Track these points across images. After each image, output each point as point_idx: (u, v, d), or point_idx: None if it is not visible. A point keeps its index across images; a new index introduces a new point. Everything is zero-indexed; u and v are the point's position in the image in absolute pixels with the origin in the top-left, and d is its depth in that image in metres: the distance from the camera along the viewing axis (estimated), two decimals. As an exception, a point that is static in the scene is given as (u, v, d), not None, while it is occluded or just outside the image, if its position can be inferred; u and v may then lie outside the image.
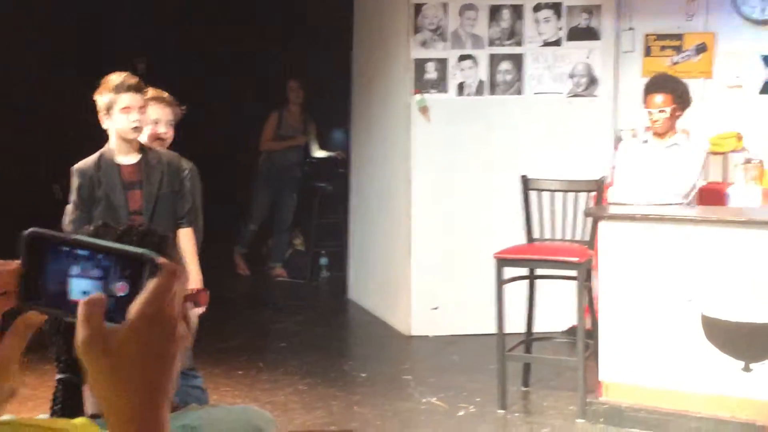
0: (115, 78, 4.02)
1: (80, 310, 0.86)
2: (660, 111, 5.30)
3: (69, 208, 4.10)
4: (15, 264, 0.90)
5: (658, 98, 5.29)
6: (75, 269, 0.89)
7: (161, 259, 0.89)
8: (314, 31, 8.30)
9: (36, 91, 8.38)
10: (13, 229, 0.97)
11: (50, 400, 1.12)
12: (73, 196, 4.07)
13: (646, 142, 5.50)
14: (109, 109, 4.00)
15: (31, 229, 0.90)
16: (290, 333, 6.87)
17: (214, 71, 8.82)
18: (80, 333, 0.86)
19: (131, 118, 3.98)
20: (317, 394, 5.45)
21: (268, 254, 8.72)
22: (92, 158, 4.10)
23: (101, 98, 4.01)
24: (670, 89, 5.33)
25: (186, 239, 4.12)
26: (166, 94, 4.31)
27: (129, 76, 4.07)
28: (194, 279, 4.02)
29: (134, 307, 0.86)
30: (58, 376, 1.12)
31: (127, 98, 3.99)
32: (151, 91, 4.23)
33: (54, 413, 1.09)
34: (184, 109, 4.41)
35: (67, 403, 0.92)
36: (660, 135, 5.39)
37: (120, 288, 0.88)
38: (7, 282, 0.91)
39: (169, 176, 4.10)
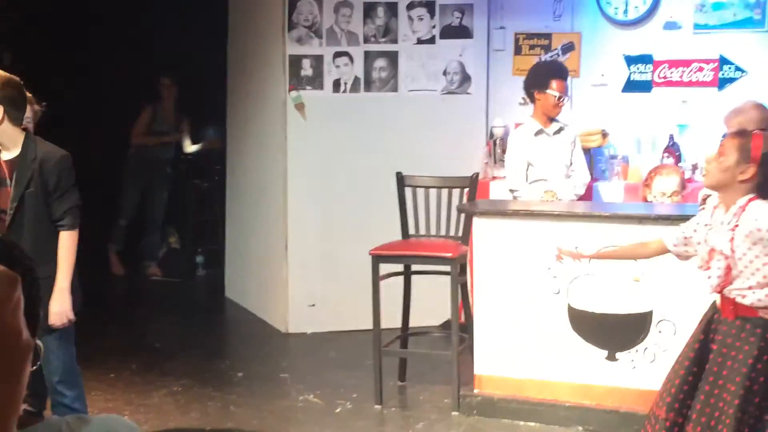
0: None
1: None
2: (565, 96, 5.45)
3: None
4: None
5: (566, 83, 5.44)
6: None
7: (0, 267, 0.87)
8: (187, 25, 8.14)
9: None
10: None
11: None
12: None
13: (539, 132, 5.59)
14: None
15: None
16: (165, 333, 6.75)
17: (84, 66, 8.54)
18: None
19: None
20: (193, 395, 5.38)
21: (142, 252, 8.55)
22: None
23: None
24: (568, 76, 5.53)
25: (63, 240, 3.94)
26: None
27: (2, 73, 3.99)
28: (59, 291, 3.87)
29: None
30: None
31: None
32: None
33: None
34: (44, 105, 4.29)
35: None
36: (551, 120, 5.53)
37: None
38: None
39: (42, 174, 3.93)
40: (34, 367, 1.35)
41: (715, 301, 3.35)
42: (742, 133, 3.36)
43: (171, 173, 8.53)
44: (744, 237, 3.17)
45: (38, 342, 1.35)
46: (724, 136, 3.79)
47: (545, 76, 5.60)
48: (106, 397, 5.23)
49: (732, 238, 3.19)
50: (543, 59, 6.40)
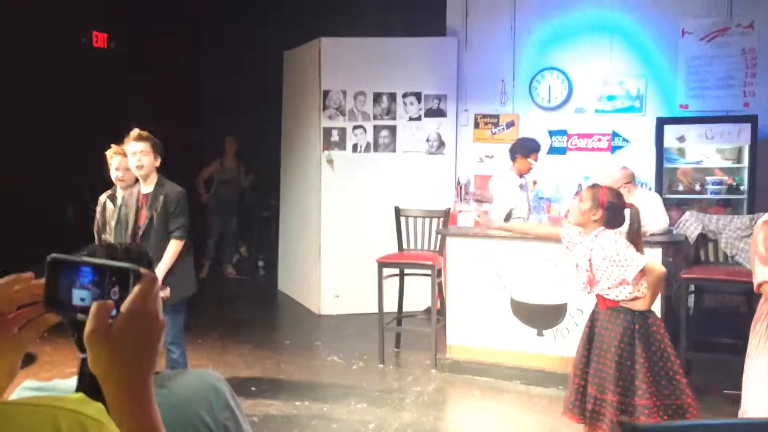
0: (132, 132, 4.03)
1: (92, 309, 0.85)
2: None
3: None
4: (42, 281, 0.90)
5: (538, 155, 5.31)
6: (78, 281, 0.88)
7: (143, 270, 0.88)
8: (252, 105, 8.17)
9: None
10: (38, 247, 0.94)
11: (77, 373, 1.08)
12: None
13: (522, 185, 5.33)
14: (126, 153, 4.03)
15: (51, 255, 0.89)
16: (237, 313, 6.72)
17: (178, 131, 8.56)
18: (88, 326, 0.85)
19: (135, 159, 4.00)
20: (255, 356, 5.35)
21: (222, 258, 8.53)
22: (104, 196, 4.18)
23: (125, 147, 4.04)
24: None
25: (170, 246, 4.03)
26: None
27: (137, 130, 4.05)
28: (159, 274, 3.95)
29: (125, 306, 0.85)
30: (81, 356, 1.08)
31: (134, 145, 4.01)
32: (115, 147, 4.14)
33: (79, 382, 1.05)
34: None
35: (87, 374, 0.90)
36: (521, 176, 5.31)
37: (114, 292, 0.87)
38: (38, 294, 0.90)
39: (165, 202, 4.02)
40: None
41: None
42: (595, 186, 3.32)
43: (237, 205, 8.46)
44: (596, 256, 3.17)
45: None
46: (580, 186, 3.70)
47: (529, 149, 5.31)
48: (195, 356, 5.19)
49: (590, 258, 3.19)
50: (527, 136, 5.79)
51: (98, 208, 4.15)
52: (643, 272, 3.10)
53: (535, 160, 5.33)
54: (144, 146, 3.98)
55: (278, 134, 7.62)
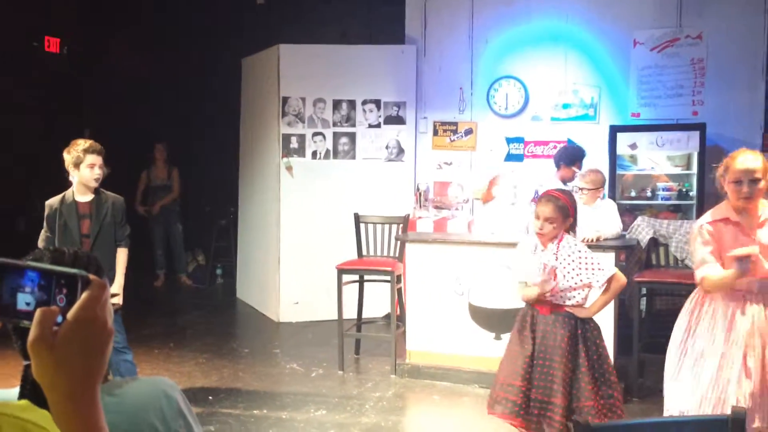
0: (83, 142, 3.95)
1: (36, 316, 0.83)
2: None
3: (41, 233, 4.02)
4: None
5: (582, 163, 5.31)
6: (23, 286, 0.86)
7: (92, 276, 0.86)
8: (210, 115, 8.07)
9: None
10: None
11: (21, 380, 1.05)
12: (44, 224, 4.01)
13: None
14: (77, 164, 3.92)
15: None
16: (194, 322, 6.62)
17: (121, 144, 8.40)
18: (32, 333, 0.82)
19: (95, 172, 3.94)
20: (213, 365, 5.28)
21: (177, 268, 8.38)
22: (58, 196, 4.03)
23: (69, 156, 3.93)
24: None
25: (121, 256, 4.08)
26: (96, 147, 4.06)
27: (94, 143, 3.97)
28: (118, 285, 3.98)
29: (72, 313, 0.83)
30: (26, 363, 1.06)
31: (92, 158, 3.93)
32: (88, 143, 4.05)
33: (22, 389, 1.02)
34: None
35: (31, 382, 0.88)
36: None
37: (60, 299, 0.86)
38: None
39: (112, 211, 4.02)
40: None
41: (527, 303, 3.31)
42: (550, 200, 3.25)
43: (179, 211, 8.24)
44: (565, 257, 3.20)
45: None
46: (536, 192, 3.69)
47: (574, 158, 5.39)
48: (151, 367, 5.12)
49: (557, 259, 3.21)
50: (572, 144, 5.88)
51: (48, 213, 4.02)
52: (609, 279, 3.16)
53: (579, 168, 5.32)
54: (101, 159, 3.96)
55: (236, 141, 7.56)
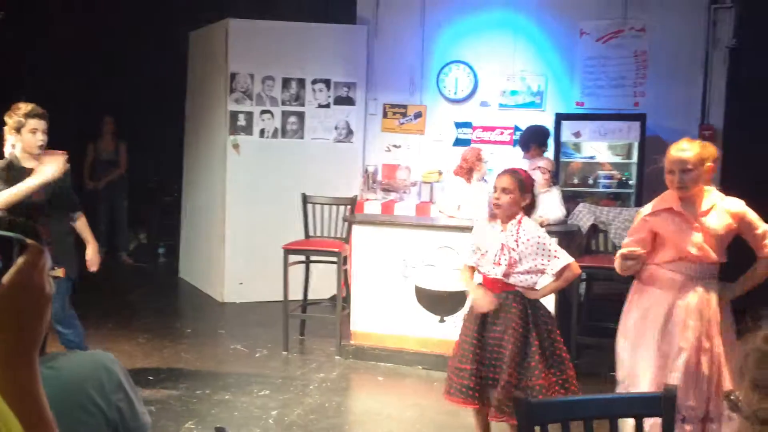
0: (24, 106, 3.74)
1: None
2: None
3: None
4: None
5: None
6: None
7: (29, 240, 0.85)
8: (156, 89, 7.81)
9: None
10: None
11: None
12: None
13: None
14: (18, 129, 3.73)
15: None
16: (134, 302, 6.48)
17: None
18: None
19: (38, 137, 3.75)
20: (153, 344, 5.19)
21: (118, 245, 8.15)
22: (2, 162, 3.80)
23: (11, 121, 3.74)
24: None
25: (83, 223, 4.01)
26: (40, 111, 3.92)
27: (36, 107, 3.77)
28: (93, 250, 3.98)
29: (7, 277, 0.82)
30: None
31: (34, 122, 3.74)
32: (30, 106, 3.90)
33: None
34: None
35: None
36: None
37: None
38: None
39: (63, 178, 3.82)
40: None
41: (480, 283, 3.32)
42: (512, 173, 3.29)
43: (125, 188, 8.00)
44: (524, 241, 3.22)
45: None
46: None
47: (544, 137, 5.60)
48: (91, 345, 4.96)
49: (516, 241, 3.23)
50: (537, 124, 5.90)
51: None
52: (563, 268, 3.19)
53: (546, 149, 5.45)
54: (44, 124, 3.77)
55: (182, 116, 7.38)
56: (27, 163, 3.80)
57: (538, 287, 3.29)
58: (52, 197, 3.78)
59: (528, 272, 3.24)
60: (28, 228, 1.22)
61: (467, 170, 5.15)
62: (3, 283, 0.81)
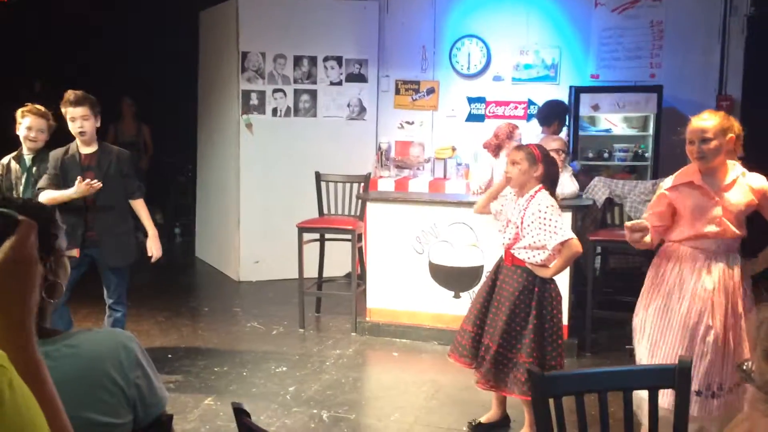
0: (66, 95, 3.87)
1: None
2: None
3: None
4: None
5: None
6: None
7: (21, 216, 0.87)
8: (165, 66, 7.81)
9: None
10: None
11: None
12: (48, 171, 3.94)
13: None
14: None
15: None
16: (153, 281, 6.54)
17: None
18: None
19: (76, 125, 3.87)
20: (172, 323, 5.26)
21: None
22: (62, 148, 3.97)
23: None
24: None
25: (140, 206, 4.11)
26: (41, 109, 4.04)
27: (73, 93, 3.87)
28: (152, 235, 4.10)
29: (0, 252, 0.85)
30: None
31: (71, 111, 3.85)
32: (29, 106, 4.02)
33: None
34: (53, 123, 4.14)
35: None
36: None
37: None
38: None
39: (117, 163, 3.96)
40: (53, 301, 1.30)
41: (502, 255, 3.41)
42: (522, 147, 3.34)
43: (143, 171, 8.02)
44: (530, 214, 3.22)
45: (59, 283, 1.31)
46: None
47: (565, 112, 5.55)
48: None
49: (523, 215, 3.24)
50: (555, 99, 5.78)
51: (53, 164, 3.92)
52: (561, 245, 3.17)
53: (566, 124, 5.41)
54: (83, 111, 3.84)
55: (195, 96, 7.38)
56: (83, 149, 3.93)
57: (551, 265, 3.28)
58: (105, 182, 3.84)
59: (530, 248, 3.24)
60: (39, 211, 1.23)
61: (496, 146, 5.02)
62: None
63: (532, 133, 5.86)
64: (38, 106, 4.08)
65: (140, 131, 7.93)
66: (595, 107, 6.07)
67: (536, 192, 3.26)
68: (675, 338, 2.99)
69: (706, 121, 2.92)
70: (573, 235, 3.21)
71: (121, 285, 4.04)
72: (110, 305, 4.03)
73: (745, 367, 0.96)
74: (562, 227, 3.18)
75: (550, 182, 3.30)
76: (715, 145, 2.89)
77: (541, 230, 3.19)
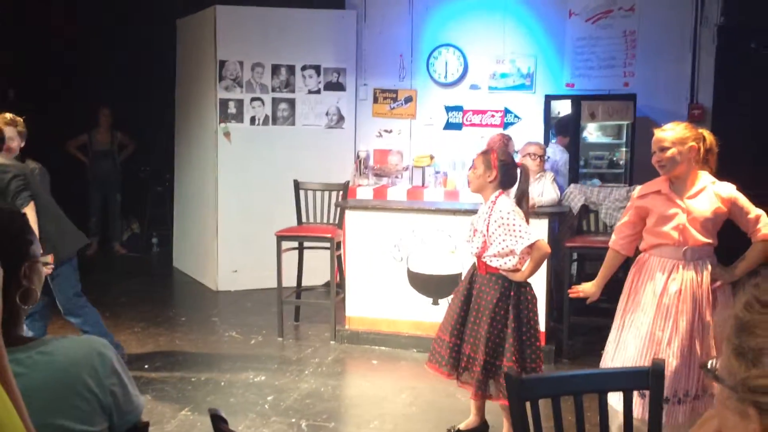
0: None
1: None
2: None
3: None
4: None
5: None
6: None
7: None
8: (144, 77, 7.76)
9: None
10: None
11: None
12: None
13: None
14: None
15: None
16: (129, 291, 6.47)
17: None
18: None
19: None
20: (149, 333, 5.20)
21: (110, 236, 8.16)
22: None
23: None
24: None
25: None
26: (7, 117, 4.04)
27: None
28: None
29: None
30: None
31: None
32: (7, 116, 4.00)
33: None
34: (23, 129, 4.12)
35: None
36: None
37: None
38: None
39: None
40: (25, 307, 1.29)
41: (474, 263, 3.44)
42: (485, 152, 3.42)
43: (119, 179, 8.04)
44: (493, 221, 3.27)
45: (31, 288, 1.30)
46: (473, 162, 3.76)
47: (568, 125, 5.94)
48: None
49: (488, 223, 3.29)
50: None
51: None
52: (530, 247, 3.22)
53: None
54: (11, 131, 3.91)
55: (172, 104, 7.34)
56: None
57: (523, 269, 3.31)
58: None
59: (499, 255, 3.28)
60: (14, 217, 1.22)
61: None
62: None
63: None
64: (6, 115, 4.04)
65: (114, 140, 7.90)
66: (593, 115, 6.05)
67: (496, 198, 3.31)
68: (641, 344, 3.04)
69: (666, 131, 3.03)
70: (539, 237, 3.27)
71: (62, 293, 3.94)
72: (64, 315, 4.02)
73: (709, 366, 0.98)
74: (527, 230, 3.23)
75: (508, 185, 3.37)
76: (672, 153, 2.97)
77: (507, 235, 3.24)
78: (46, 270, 3.77)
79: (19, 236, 1.26)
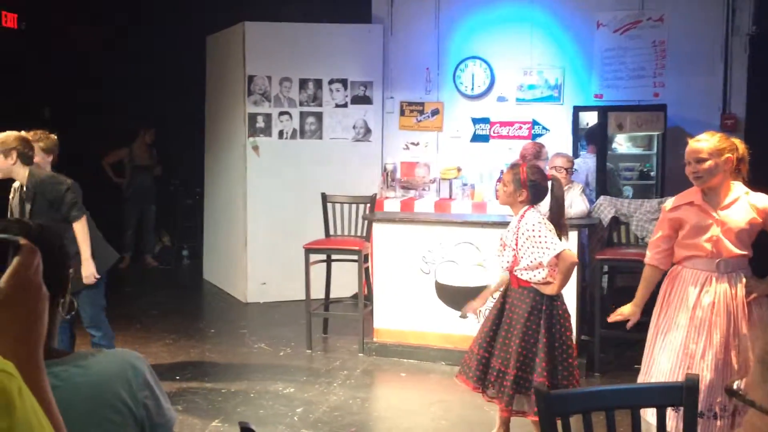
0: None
1: None
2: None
3: None
4: None
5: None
6: None
7: (22, 241, 0.86)
8: (172, 91, 7.88)
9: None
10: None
11: None
12: None
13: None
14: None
15: None
16: (161, 304, 6.55)
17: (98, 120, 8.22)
18: None
19: None
20: (180, 345, 5.26)
21: (143, 249, 8.30)
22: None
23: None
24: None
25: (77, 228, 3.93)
26: (29, 135, 4.09)
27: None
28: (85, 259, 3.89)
29: (4, 279, 0.84)
30: None
31: None
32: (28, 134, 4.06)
33: None
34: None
35: None
36: None
37: None
38: None
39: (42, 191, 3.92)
40: (67, 316, 1.33)
41: (508, 277, 3.42)
42: (514, 166, 3.41)
43: (155, 193, 8.22)
44: (521, 234, 3.26)
45: (72, 298, 1.33)
46: (501, 173, 3.78)
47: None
48: (119, 346, 5.05)
49: (516, 237, 3.28)
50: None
51: (12, 194, 4.02)
52: (557, 258, 3.19)
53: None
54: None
55: (201, 120, 7.45)
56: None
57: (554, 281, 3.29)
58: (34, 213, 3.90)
59: (529, 268, 3.27)
60: (24, 228, 1.24)
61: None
62: (2, 287, 0.82)
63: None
64: (31, 133, 4.09)
65: (152, 155, 8.17)
66: (620, 126, 5.98)
67: (525, 212, 3.31)
68: (674, 358, 2.98)
69: (701, 142, 2.96)
70: (565, 246, 3.24)
71: (92, 305, 3.97)
72: (86, 328, 4.06)
73: (735, 388, 0.94)
74: (552, 241, 3.20)
75: (538, 201, 3.35)
76: (710, 165, 2.91)
77: (535, 248, 3.23)
78: (91, 280, 3.87)
79: (63, 250, 1.30)
